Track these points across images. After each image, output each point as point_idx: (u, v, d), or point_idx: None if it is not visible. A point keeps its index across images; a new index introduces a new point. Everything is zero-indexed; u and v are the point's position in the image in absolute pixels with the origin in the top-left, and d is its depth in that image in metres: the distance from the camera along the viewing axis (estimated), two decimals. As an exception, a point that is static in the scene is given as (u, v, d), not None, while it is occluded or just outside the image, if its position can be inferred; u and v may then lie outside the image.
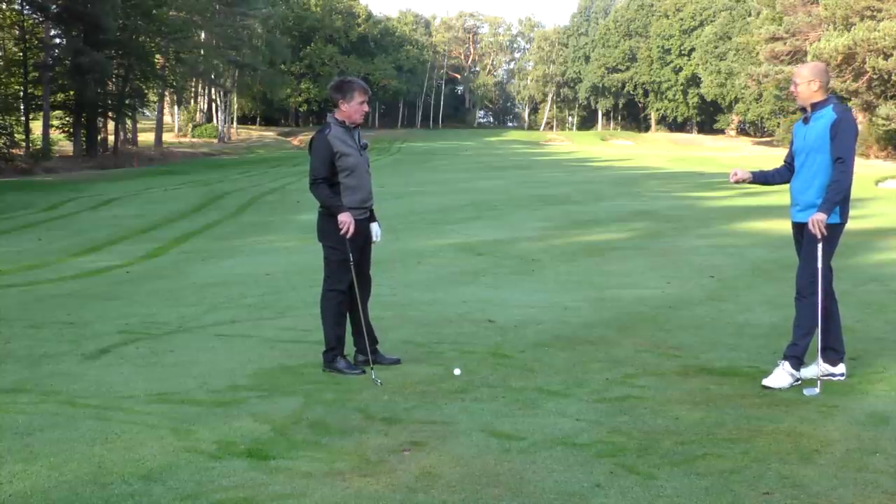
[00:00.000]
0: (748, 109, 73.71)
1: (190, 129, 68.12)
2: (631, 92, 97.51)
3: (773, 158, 48.94)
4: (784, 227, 16.93)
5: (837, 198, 5.28)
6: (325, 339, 5.90)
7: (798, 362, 5.43)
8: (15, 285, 10.62)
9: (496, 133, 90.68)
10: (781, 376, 5.39)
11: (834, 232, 5.38)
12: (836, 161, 5.28)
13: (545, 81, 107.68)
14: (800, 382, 5.40)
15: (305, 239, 15.96)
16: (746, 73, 56.87)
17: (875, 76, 42.07)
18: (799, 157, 5.54)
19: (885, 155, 45.39)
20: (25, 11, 44.86)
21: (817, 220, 5.27)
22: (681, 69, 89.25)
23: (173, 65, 53.93)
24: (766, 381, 5.40)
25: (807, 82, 5.42)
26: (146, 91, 52.96)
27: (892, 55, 40.32)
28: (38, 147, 42.32)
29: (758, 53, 57.29)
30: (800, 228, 5.51)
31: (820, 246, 5.33)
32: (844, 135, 5.29)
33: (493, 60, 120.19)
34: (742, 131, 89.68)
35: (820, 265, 5.35)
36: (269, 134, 78.41)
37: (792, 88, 5.53)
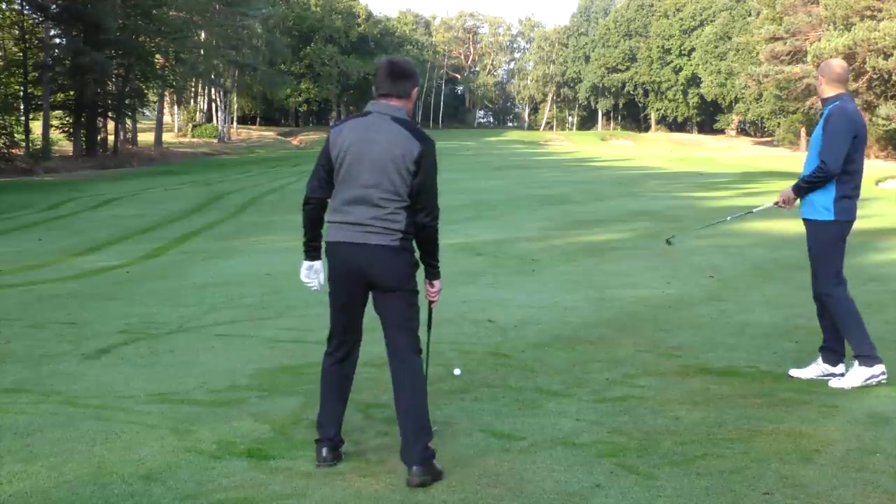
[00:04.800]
0: (748, 109, 73.68)
1: (190, 129, 68.05)
2: (631, 92, 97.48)
3: (773, 158, 48.95)
4: (784, 227, 16.85)
5: (804, 184, 5.33)
6: None
7: (870, 359, 5.37)
8: (15, 285, 10.61)
9: (496, 133, 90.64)
10: (856, 376, 5.36)
11: (825, 230, 5.34)
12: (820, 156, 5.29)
13: (545, 81, 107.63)
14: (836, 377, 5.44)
15: (305, 239, 15.96)
16: (746, 73, 56.87)
17: (875, 76, 42.11)
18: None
19: (885, 155, 45.44)
20: (25, 11, 44.81)
21: (781, 193, 5.44)
22: (681, 69, 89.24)
23: (173, 65, 53.87)
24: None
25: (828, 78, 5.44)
26: (146, 91, 52.89)
27: (892, 55, 40.34)
28: (38, 147, 42.26)
29: (758, 53, 57.30)
30: (804, 223, 5.52)
31: (816, 246, 5.37)
32: (829, 133, 5.25)
33: (493, 60, 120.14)
34: (742, 131, 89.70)
35: (813, 263, 5.41)
36: (269, 134, 78.35)
37: (817, 84, 5.57)
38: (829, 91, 5.42)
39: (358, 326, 4.09)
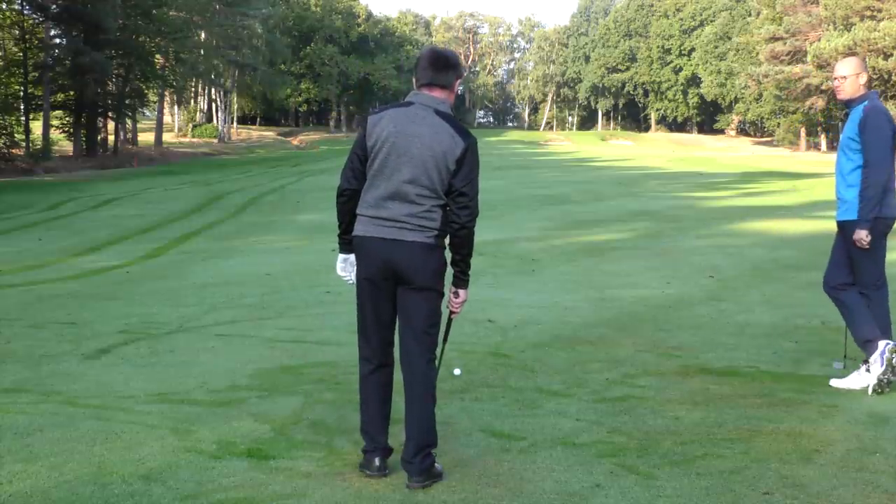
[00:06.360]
0: (748, 109, 73.79)
1: (190, 129, 68.10)
2: (631, 92, 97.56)
3: (773, 158, 48.90)
4: (783, 227, 16.80)
5: (866, 212, 5.09)
6: None
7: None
8: (15, 285, 10.61)
9: (496, 133, 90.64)
10: (860, 380, 5.29)
11: (850, 230, 5.21)
12: (864, 165, 5.10)
13: (545, 81, 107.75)
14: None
15: (305, 239, 15.97)
16: (746, 73, 56.96)
17: (875, 76, 42.12)
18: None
19: (884, 155, 45.40)
20: (25, 11, 44.89)
21: (856, 240, 5.13)
22: (681, 69, 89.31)
23: (173, 65, 53.93)
24: (837, 383, 5.29)
25: (855, 75, 5.23)
26: (146, 91, 52.96)
27: (892, 55, 40.37)
28: (38, 147, 42.31)
29: (758, 53, 57.39)
30: (839, 226, 5.37)
31: (854, 248, 5.22)
32: (869, 133, 5.07)
33: (493, 60, 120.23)
34: (742, 131, 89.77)
35: (853, 264, 5.27)
36: (269, 134, 78.38)
37: (836, 84, 5.30)
38: (859, 90, 5.23)
39: (391, 327, 3.88)
